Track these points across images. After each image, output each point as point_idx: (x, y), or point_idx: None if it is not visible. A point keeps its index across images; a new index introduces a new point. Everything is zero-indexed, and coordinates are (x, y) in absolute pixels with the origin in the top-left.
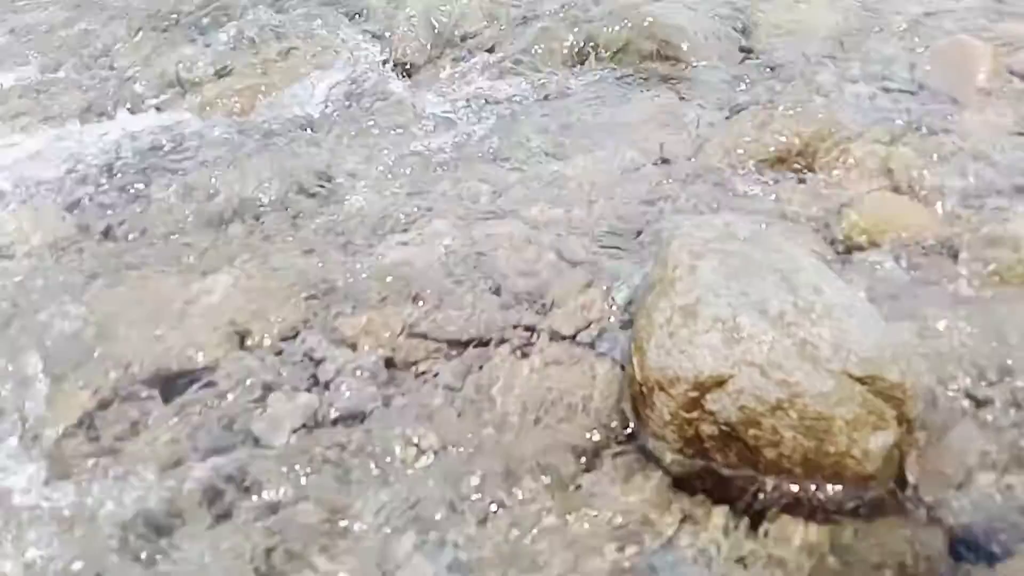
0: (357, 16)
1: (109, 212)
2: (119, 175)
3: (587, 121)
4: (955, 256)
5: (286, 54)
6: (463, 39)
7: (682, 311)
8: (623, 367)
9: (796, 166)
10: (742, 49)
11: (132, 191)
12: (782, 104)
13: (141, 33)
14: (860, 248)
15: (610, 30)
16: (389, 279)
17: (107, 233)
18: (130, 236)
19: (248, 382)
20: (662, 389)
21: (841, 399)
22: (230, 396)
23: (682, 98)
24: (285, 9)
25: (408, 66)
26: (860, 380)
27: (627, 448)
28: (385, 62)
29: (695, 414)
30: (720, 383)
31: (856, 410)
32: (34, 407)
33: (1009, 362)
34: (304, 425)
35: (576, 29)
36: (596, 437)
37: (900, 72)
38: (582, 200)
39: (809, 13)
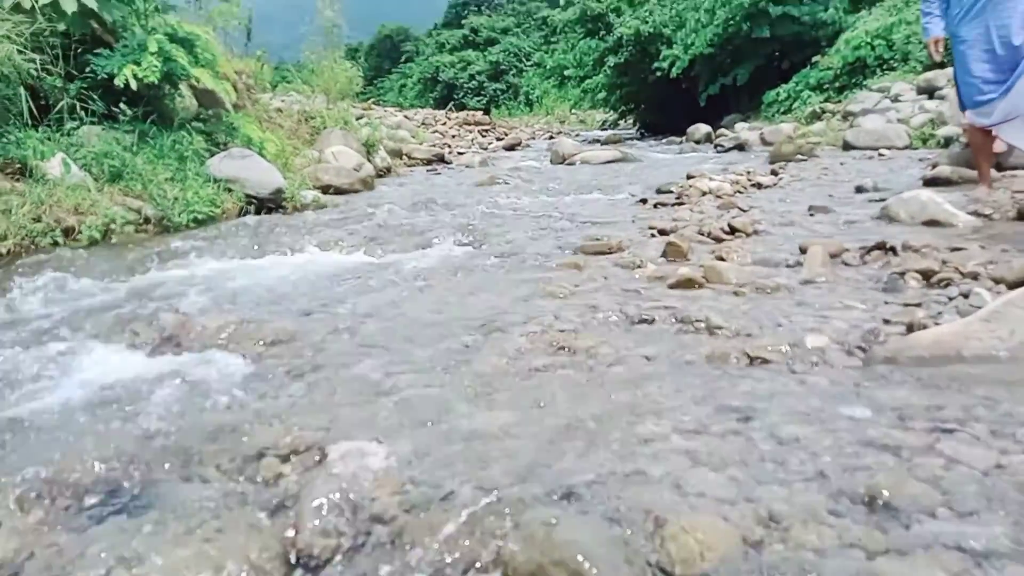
0: (263, 491)
1: None
2: None
3: None
4: None
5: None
6: (376, 528)
7: None
8: None
9: None
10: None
11: None
12: None
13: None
14: None
15: (521, 554)
16: None
17: None
18: None
19: None
20: None
21: None
22: None
23: None
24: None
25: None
26: None
27: None
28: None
29: None
30: None
31: None
32: None
33: None
34: None
35: (485, 535)
36: None
37: None
38: None
39: (714, 530)
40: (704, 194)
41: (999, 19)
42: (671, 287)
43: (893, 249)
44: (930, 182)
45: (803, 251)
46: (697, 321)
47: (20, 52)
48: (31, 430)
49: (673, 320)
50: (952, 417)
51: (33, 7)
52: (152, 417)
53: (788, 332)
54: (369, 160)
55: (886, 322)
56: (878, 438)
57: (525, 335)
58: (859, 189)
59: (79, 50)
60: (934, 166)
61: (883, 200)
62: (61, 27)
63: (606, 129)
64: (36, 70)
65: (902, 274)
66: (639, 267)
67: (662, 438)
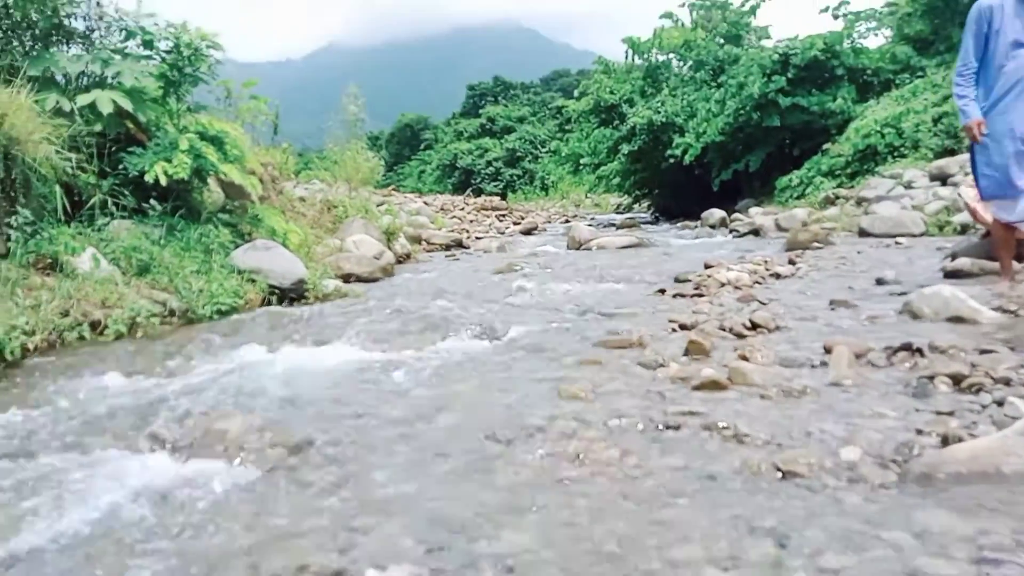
0: None
1: None
2: None
3: None
4: None
5: None
6: None
7: None
8: None
9: None
10: None
11: None
12: None
13: None
14: None
15: None
16: None
17: None
18: None
19: None
20: None
21: None
22: None
23: None
24: None
25: None
26: None
27: None
28: None
29: None
30: None
31: None
32: None
33: None
34: None
35: None
36: None
37: None
38: None
39: None
40: (722, 285)
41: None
42: (695, 389)
43: (920, 350)
44: (951, 274)
45: (828, 350)
46: (724, 428)
47: (58, 152)
48: (46, 550)
49: (700, 427)
50: (997, 545)
51: (72, 110)
52: (169, 536)
53: (819, 442)
54: (389, 247)
55: (919, 432)
56: (922, 569)
57: (548, 443)
58: (879, 281)
59: (113, 148)
60: (953, 257)
61: (904, 294)
62: (97, 127)
63: (621, 213)
64: (72, 168)
65: (931, 378)
66: (662, 366)
67: (695, 567)
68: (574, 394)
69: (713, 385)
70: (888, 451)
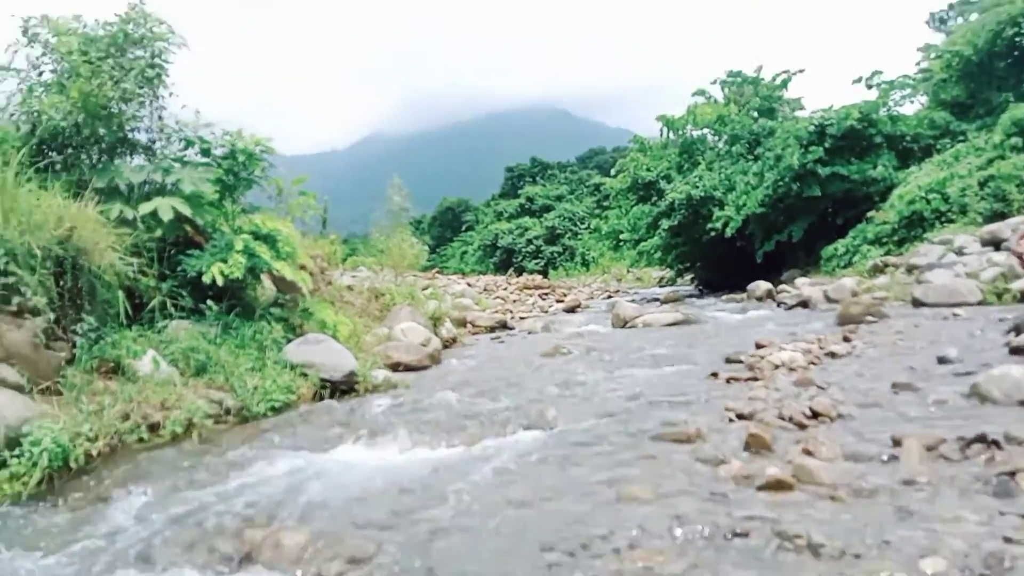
0: None
1: None
2: None
3: None
4: None
5: None
6: None
7: None
8: None
9: None
10: None
11: None
12: None
13: None
14: None
15: None
16: None
17: None
18: None
19: None
20: None
21: None
22: None
23: None
24: None
25: None
26: None
27: None
28: None
29: None
30: None
31: None
32: None
33: None
34: None
35: None
36: None
37: None
38: None
39: None
40: (777, 367)
41: None
42: (760, 489)
43: (996, 442)
44: (1017, 350)
45: (896, 443)
46: (796, 537)
47: (121, 259)
48: None
49: (769, 534)
50: None
51: (135, 217)
52: None
53: (898, 552)
54: (436, 333)
55: (1007, 540)
56: None
57: (611, 556)
58: (941, 360)
59: (172, 251)
60: (1018, 331)
61: (970, 373)
62: (158, 233)
63: (664, 286)
64: (133, 273)
65: (1012, 474)
66: (723, 462)
67: None
68: (634, 496)
69: (778, 485)
70: (975, 563)
